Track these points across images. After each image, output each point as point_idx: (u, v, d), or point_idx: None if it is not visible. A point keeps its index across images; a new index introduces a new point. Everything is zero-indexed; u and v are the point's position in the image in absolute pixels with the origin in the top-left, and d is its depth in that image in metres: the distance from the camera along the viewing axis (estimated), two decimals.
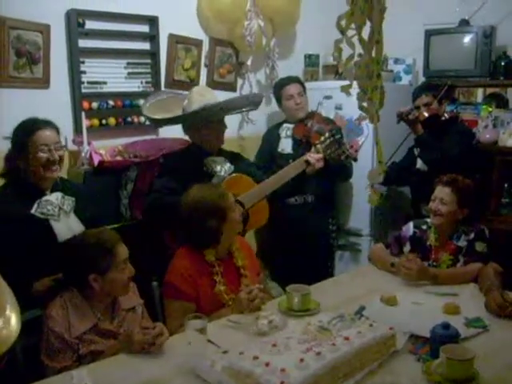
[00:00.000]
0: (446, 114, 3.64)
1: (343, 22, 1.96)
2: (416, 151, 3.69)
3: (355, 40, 2.06)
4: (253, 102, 3.39)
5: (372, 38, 1.96)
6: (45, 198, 2.49)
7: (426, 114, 3.56)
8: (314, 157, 3.28)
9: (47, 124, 2.52)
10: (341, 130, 3.66)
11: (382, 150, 2.29)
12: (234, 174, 3.16)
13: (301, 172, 3.33)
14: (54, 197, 2.53)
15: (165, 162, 3.32)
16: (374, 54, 2.01)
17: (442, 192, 2.82)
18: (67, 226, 2.50)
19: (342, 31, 1.97)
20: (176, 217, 2.54)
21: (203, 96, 3.15)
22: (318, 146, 3.31)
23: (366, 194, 3.90)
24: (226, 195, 2.52)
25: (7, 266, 2.27)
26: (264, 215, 3.20)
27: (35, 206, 2.45)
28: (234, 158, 3.32)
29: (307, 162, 3.31)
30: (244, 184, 3.13)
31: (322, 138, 3.36)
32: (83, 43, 3.31)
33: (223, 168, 3.15)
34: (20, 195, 2.45)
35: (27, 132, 2.46)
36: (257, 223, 3.18)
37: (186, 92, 3.42)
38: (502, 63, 3.94)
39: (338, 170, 3.59)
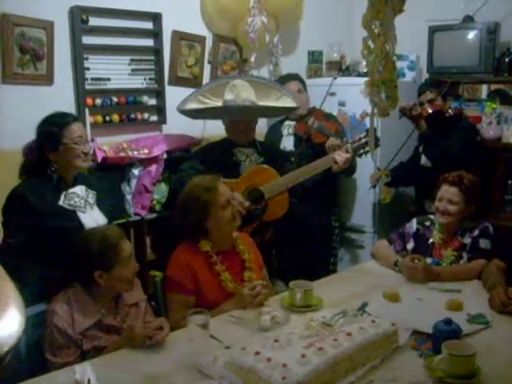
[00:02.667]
0: (450, 111, 3.63)
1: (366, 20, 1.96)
2: (420, 148, 3.69)
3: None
4: (284, 110, 3.45)
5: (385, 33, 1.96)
6: (71, 191, 2.53)
7: (430, 110, 3.56)
8: (342, 156, 3.17)
9: (75, 117, 2.62)
10: (375, 129, 3.62)
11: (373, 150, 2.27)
12: (258, 165, 3.21)
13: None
14: (79, 189, 2.57)
15: (198, 150, 3.48)
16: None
17: (449, 192, 2.79)
18: (93, 218, 2.54)
19: (366, 28, 1.97)
20: None
21: (234, 91, 3.20)
22: (349, 146, 3.21)
23: (370, 191, 3.96)
24: (214, 190, 2.47)
25: (38, 258, 2.32)
26: (283, 207, 3.19)
27: (62, 197, 2.49)
28: (271, 152, 3.38)
29: (334, 161, 3.22)
30: (267, 175, 3.16)
31: (356, 139, 3.26)
32: (87, 40, 3.32)
33: (249, 158, 3.24)
34: (47, 187, 2.47)
35: (61, 124, 2.48)
36: (274, 214, 3.18)
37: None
38: (506, 59, 3.93)
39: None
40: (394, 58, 2.09)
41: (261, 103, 3.23)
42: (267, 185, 3.13)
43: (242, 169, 3.20)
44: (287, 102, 3.37)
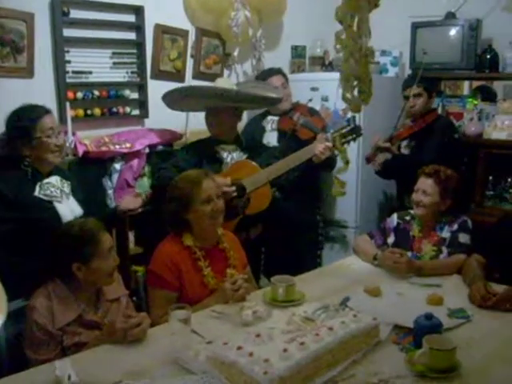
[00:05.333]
0: (422, 123, 3.61)
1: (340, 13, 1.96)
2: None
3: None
4: (265, 100, 3.41)
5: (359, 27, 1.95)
6: (46, 181, 2.51)
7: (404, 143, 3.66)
8: (321, 146, 3.16)
9: (46, 109, 2.55)
10: (355, 118, 3.62)
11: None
12: (239, 160, 3.21)
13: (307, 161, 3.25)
14: (54, 179, 2.55)
15: (181, 147, 3.46)
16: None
17: (424, 183, 2.84)
18: (69, 208, 2.53)
19: (341, 21, 1.96)
20: None
21: (216, 83, 3.23)
22: (329, 134, 3.19)
23: (353, 186, 3.98)
24: (197, 184, 2.47)
25: (14, 251, 2.30)
26: (265, 200, 3.18)
27: (37, 188, 2.47)
28: (255, 148, 3.36)
29: (315, 151, 3.19)
30: (248, 169, 3.15)
31: (336, 128, 3.25)
32: (68, 32, 3.28)
33: (230, 155, 3.23)
34: (21, 179, 2.45)
35: (33, 118, 2.45)
36: (257, 208, 3.17)
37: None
38: (488, 56, 3.96)
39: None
40: (368, 52, 2.09)
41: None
42: (249, 178, 3.12)
43: (225, 166, 3.20)
44: (270, 94, 3.36)
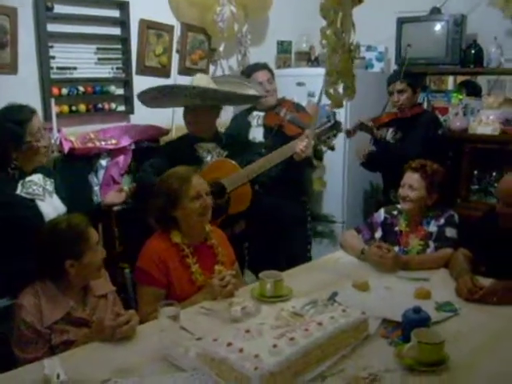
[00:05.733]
0: (408, 113, 3.64)
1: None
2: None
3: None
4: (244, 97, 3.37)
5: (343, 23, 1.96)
6: (28, 179, 2.48)
7: (386, 119, 3.65)
8: (302, 144, 3.15)
9: (33, 110, 2.51)
10: (335, 114, 3.60)
11: None
12: (218, 158, 3.16)
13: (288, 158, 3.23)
14: (36, 177, 2.52)
15: (160, 145, 3.40)
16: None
17: (410, 178, 2.85)
18: (52, 206, 2.50)
19: (325, 17, 1.96)
20: None
21: (194, 81, 3.17)
22: (310, 132, 3.19)
23: (339, 181, 4.01)
24: (187, 181, 2.46)
25: None
26: (246, 199, 3.17)
27: (19, 186, 2.44)
28: (236, 145, 3.31)
29: (295, 148, 3.18)
30: (227, 168, 3.11)
31: (317, 125, 3.25)
32: (52, 28, 3.25)
33: (210, 154, 3.17)
34: (3, 179, 2.42)
35: (23, 121, 2.41)
36: (239, 207, 3.15)
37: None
38: (472, 51, 3.99)
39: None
40: (352, 47, 2.09)
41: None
42: (228, 177, 3.08)
43: (205, 164, 3.13)
44: (250, 92, 3.33)
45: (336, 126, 3.16)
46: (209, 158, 3.16)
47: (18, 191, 2.43)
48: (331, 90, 2.13)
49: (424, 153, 3.16)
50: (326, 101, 3.85)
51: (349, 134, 3.66)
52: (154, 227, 2.79)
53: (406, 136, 3.59)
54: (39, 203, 2.47)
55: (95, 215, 2.74)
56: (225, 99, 3.30)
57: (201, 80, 3.20)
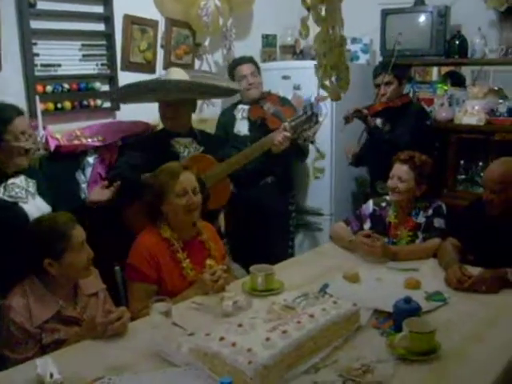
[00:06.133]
0: (398, 102, 3.67)
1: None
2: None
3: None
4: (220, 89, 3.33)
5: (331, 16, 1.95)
6: (10, 181, 2.45)
7: (380, 108, 3.66)
8: (280, 136, 3.15)
9: (19, 110, 2.46)
10: (312, 105, 3.59)
11: None
12: (195, 153, 3.14)
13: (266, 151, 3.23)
14: (19, 180, 2.49)
15: (134, 141, 3.33)
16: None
17: (399, 170, 2.86)
18: (36, 207, 2.47)
19: (309, 8, 1.95)
20: (135, 194, 2.53)
21: (167, 75, 3.14)
22: (287, 124, 3.17)
23: (327, 174, 4.03)
24: (174, 176, 2.45)
25: None
26: (225, 195, 3.16)
27: (1, 189, 2.41)
28: (212, 140, 3.30)
29: (273, 141, 3.17)
30: (205, 163, 3.09)
31: (293, 117, 3.24)
32: (35, 24, 3.20)
33: (187, 149, 3.15)
34: None
35: (4, 120, 2.36)
36: (218, 202, 3.14)
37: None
38: (457, 42, 4.00)
39: (295, 150, 3.55)
40: (342, 41, 2.09)
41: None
42: (207, 173, 3.05)
43: (181, 160, 3.08)
44: (225, 84, 3.32)
45: (312, 118, 3.16)
46: (186, 153, 3.13)
47: (1, 194, 2.39)
48: (327, 82, 2.12)
49: (413, 142, 3.18)
50: (310, 94, 3.92)
51: (347, 119, 3.67)
52: (129, 225, 2.80)
53: (395, 125, 3.61)
54: (23, 206, 2.43)
55: (79, 211, 2.71)
56: (200, 92, 3.28)
57: (175, 73, 3.17)
